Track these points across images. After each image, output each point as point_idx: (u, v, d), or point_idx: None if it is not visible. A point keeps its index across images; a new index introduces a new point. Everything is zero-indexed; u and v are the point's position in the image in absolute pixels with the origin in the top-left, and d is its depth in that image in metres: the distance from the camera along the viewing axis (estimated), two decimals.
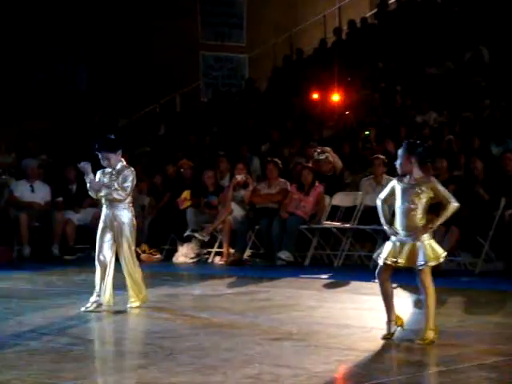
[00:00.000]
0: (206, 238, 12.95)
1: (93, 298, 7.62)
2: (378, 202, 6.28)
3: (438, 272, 9.97)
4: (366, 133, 15.16)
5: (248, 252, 12.87)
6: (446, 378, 5.03)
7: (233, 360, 5.53)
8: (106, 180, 7.73)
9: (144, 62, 20.78)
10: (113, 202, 7.70)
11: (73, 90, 20.48)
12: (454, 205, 6.01)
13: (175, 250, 13.20)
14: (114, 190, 7.64)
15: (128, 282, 7.78)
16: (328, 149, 13.22)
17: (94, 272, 7.73)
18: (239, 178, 13.13)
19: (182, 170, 14.48)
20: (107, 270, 7.66)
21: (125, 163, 7.84)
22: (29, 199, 14.06)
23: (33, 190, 14.14)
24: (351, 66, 18.76)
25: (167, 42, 21.11)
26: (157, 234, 13.60)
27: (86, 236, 13.08)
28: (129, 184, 7.69)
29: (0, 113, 18.61)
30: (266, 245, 12.53)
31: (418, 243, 5.98)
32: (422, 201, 6.00)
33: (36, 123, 18.93)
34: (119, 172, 7.73)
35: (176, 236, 13.34)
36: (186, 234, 13.03)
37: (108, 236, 7.71)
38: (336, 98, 17.23)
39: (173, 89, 20.93)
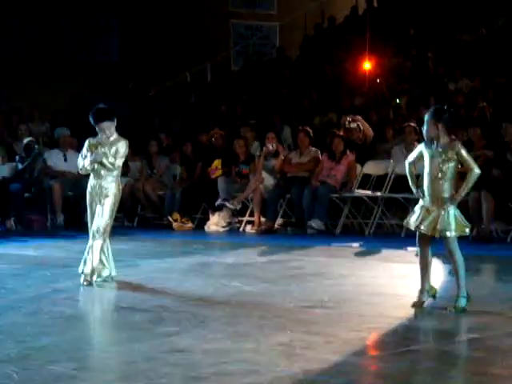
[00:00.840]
0: (238, 207, 13.00)
1: (106, 272, 7.57)
2: (406, 164, 6.28)
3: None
4: (397, 101, 15.07)
5: (279, 221, 12.90)
6: (479, 346, 5.03)
7: (265, 327, 5.57)
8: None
9: (174, 32, 20.75)
10: (100, 173, 7.52)
11: (105, 60, 20.53)
12: (476, 171, 5.95)
13: (207, 219, 13.26)
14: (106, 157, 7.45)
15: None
16: (359, 117, 13.16)
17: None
18: (270, 146, 13.13)
19: (213, 139, 14.50)
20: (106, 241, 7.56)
21: (117, 135, 7.57)
22: (62, 168, 14.17)
23: (66, 159, 14.25)
24: (383, 33, 18.59)
25: (197, 10, 21.06)
26: (188, 202, 13.66)
27: (120, 204, 13.13)
28: (121, 153, 7.49)
29: (33, 82, 18.71)
30: (297, 213, 12.54)
31: (442, 212, 5.95)
32: (449, 168, 5.96)
33: (68, 93, 19.03)
34: (112, 143, 7.50)
35: (207, 205, 13.40)
36: (217, 203, 13.08)
37: (96, 209, 7.54)
38: (367, 65, 17.11)
39: (203, 58, 20.89)
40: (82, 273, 7.43)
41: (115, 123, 7.53)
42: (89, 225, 7.64)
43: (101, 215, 7.48)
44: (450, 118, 6.04)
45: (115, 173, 7.55)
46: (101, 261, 7.46)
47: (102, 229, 7.44)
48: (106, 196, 7.50)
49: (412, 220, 6.11)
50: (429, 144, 6.07)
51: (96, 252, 7.40)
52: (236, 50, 22.78)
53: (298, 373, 4.43)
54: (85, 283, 7.33)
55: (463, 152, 5.99)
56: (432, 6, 18.77)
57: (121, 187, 7.69)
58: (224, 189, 13.24)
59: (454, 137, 6.06)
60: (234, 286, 7.32)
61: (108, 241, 7.56)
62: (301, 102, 16.48)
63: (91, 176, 7.63)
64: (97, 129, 7.54)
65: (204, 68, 21.17)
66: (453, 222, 5.94)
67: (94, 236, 7.46)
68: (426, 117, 6.09)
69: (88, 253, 7.45)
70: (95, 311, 6.34)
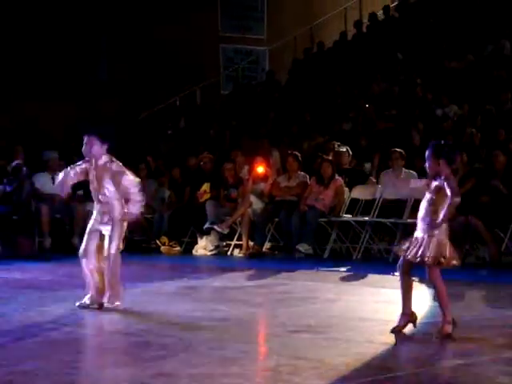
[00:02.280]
0: (226, 231, 13.00)
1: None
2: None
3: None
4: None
5: (267, 244, 12.91)
6: (463, 372, 5.04)
7: (251, 352, 5.57)
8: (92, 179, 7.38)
9: (164, 55, 20.83)
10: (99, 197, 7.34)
11: (93, 82, 20.55)
12: (454, 199, 5.95)
13: (195, 243, 13.26)
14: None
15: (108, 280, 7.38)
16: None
17: None
18: (259, 171, 13.17)
19: (201, 162, 14.53)
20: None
21: (111, 158, 7.38)
22: (50, 191, 14.15)
23: (54, 182, 14.22)
24: (371, 58, 18.72)
25: (187, 34, 21.14)
26: (177, 226, 13.66)
27: None
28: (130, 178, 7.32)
29: (22, 103, 18.71)
30: (285, 237, 12.56)
31: (426, 238, 5.97)
32: (440, 196, 5.99)
33: (57, 114, 19.02)
34: (104, 168, 7.31)
35: (196, 228, 13.40)
36: (205, 227, 13.08)
37: (96, 234, 7.38)
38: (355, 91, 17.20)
39: (193, 82, 20.97)
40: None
41: (102, 146, 7.35)
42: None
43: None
44: (451, 152, 6.08)
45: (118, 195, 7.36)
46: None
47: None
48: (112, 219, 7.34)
49: (404, 247, 6.13)
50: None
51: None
52: (226, 74, 22.88)
53: None
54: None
55: (449, 180, 5.98)
56: (420, 33, 18.92)
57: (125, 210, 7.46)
58: (212, 212, 13.24)
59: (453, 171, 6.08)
60: (221, 310, 7.32)
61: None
62: (290, 127, 16.54)
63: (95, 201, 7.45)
64: (84, 140, 7.38)
65: (193, 92, 21.25)
66: (433, 250, 5.95)
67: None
68: (427, 153, 6.13)
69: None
70: (81, 335, 6.31)
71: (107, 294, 7.32)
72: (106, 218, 7.35)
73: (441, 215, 5.96)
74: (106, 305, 7.32)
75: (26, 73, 19.14)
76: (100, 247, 7.40)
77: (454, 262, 6.03)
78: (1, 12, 19.02)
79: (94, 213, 7.45)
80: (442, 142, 6.21)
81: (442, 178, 6.02)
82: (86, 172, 7.45)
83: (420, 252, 5.95)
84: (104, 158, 7.40)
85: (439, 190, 6.01)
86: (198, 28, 21.57)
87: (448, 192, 5.95)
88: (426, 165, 6.16)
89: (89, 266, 7.38)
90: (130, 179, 7.38)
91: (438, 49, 17.72)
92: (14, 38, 19.08)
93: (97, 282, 7.39)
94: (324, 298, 8.23)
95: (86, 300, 7.39)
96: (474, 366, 5.15)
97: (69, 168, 7.53)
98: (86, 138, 7.39)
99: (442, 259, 5.97)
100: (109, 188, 7.34)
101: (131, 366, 5.28)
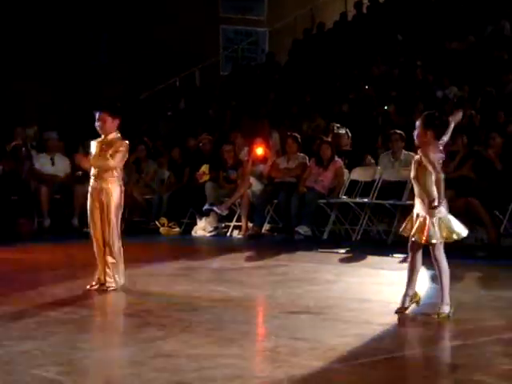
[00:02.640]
0: (225, 212, 13.00)
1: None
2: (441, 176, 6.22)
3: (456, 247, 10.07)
4: (385, 108, 15.12)
5: (266, 226, 12.91)
6: (462, 353, 5.05)
7: (250, 333, 5.58)
8: (97, 151, 7.38)
9: (164, 36, 20.76)
10: (101, 174, 7.33)
11: (94, 64, 20.50)
12: (440, 176, 5.90)
13: (194, 224, 13.26)
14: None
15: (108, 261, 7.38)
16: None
17: None
18: (258, 152, 13.15)
19: (201, 144, 14.51)
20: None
21: (119, 135, 7.44)
22: (49, 172, 14.17)
23: (53, 163, 14.25)
24: (371, 39, 18.66)
25: (187, 15, 21.06)
26: (176, 207, 13.65)
27: None
28: (120, 154, 7.33)
29: (22, 86, 18.69)
30: (285, 219, 12.55)
31: (429, 218, 5.96)
32: (423, 172, 5.95)
33: (58, 97, 19.01)
34: (110, 143, 7.35)
35: (195, 210, 13.40)
36: (204, 208, 13.07)
37: (97, 213, 7.37)
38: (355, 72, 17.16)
39: (193, 63, 20.91)
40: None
41: (113, 120, 7.37)
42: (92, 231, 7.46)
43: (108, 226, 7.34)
44: (441, 126, 6.03)
45: (116, 173, 7.38)
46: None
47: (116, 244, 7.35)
48: (108, 199, 7.33)
49: (407, 227, 6.11)
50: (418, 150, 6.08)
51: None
52: (225, 55, 22.81)
53: (283, 378, 4.44)
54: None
55: (428, 156, 5.91)
56: (421, 14, 18.84)
57: (123, 188, 7.50)
58: (211, 194, 13.24)
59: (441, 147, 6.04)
60: (220, 291, 7.33)
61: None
62: (289, 108, 16.50)
63: (91, 178, 7.42)
64: (96, 116, 7.39)
65: (193, 73, 21.19)
66: (437, 229, 5.94)
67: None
68: (417, 122, 6.08)
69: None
70: (80, 315, 6.32)
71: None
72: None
73: (435, 196, 5.91)
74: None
75: (28, 55, 19.10)
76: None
77: (463, 234, 6.01)
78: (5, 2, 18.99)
79: None
80: (436, 113, 6.15)
81: (419, 152, 5.95)
82: None
83: (426, 233, 5.92)
84: (113, 134, 7.40)
85: (419, 165, 5.96)
86: (198, 9, 21.49)
87: (430, 168, 5.90)
88: (415, 133, 6.10)
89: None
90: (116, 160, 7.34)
91: (439, 30, 17.65)
92: (16, 23, 19.01)
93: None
94: (323, 279, 8.24)
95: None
96: (472, 347, 5.16)
97: None
98: (97, 114, 7.37)
99: (454, 236, 5.95)
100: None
101: (130, 346, 5.30)
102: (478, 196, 10.51)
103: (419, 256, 6.13)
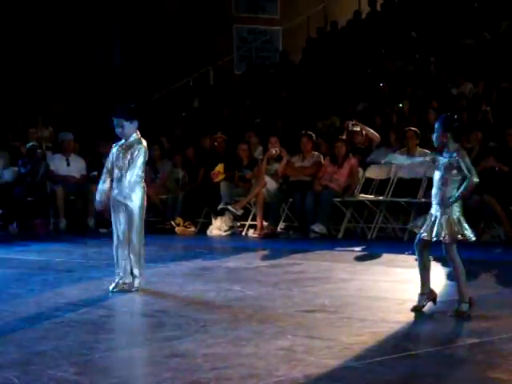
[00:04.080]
0: (240, 211, 12.99)
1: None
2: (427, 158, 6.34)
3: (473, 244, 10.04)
4: (400, 105, 15.07)
5: (281, 225, 12.90)
6: (479, 350, 5.03)
7: (265, 332, 5.57)
8: (117, 158, 7.40)
9: (177, 36, 20.77)
10: (122, 178, 7.37)
11: (107, 65, 20.55)
12: (474, 180, 5.93)
13: (209, 223, 13.26)
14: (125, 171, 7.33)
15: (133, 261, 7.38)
16: (360, 124, 13.16)
17: None
18: (273, 151, 13.14)
19: (215, 143, 14.51)
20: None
21: (139, 136, 7.44)
22: (64, 173, 14.21)
23: (68, 164, 14.29)
24: (385, 37, 18.61)
25: (201, 15, 21.07)
26: (191, 207, 13.66)
27: None
28: (138, 163, 7.34)
29: (36, 87, 18.75)
30: (300, 218, 12.54)
31: (441, 217, 5.96)
32: (453, 175, 5.98)
33: (72, 98, 19.06)
34: (130, 146, 7.35)
35: (210, 209, 13.40)
36: (219, 207, 13.08)
37: (121, 216, 7.45)
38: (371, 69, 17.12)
39: (206, 62, 20.91)
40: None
41: (132, 124, 7.39)
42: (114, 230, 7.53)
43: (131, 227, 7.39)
44: (459, 128, 6.08)
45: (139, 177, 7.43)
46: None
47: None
48: (132, 202, 7.39)
49: (419, 223, 6.14)
50: (439, 152, 6.11)
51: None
52: (239, 54, 22.81)
53: (299, 377, 4.43)
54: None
55: (464, 160, 5.98)
56: (435, 11, 18.77)
57: (145, 190, 7.52)
58: (226, 193, 13.24)
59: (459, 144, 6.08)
60: (236, 291, 7.33)
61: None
62: (304, 107, 16.47)
63: (114, 181, 7.48)
64: (114, 122, 7.41)
65: (207, 72, 21.19)
66: (448, 227, 5.93)
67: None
68: (436, 125, 6.12)
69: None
70: (96, 316, 6.34)
71: None
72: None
73: (456, 194, 5.94)
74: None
75: (42, 57, 19.15)
76: None
77: (472, 237, 6.01)
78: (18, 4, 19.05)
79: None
80: (456, 116, 6.19)
81: (455, 155, 5.99)
82: None
83: (435, 230, 5.94)
84: (133, 136, 7.40)
85: (450, 168, 5.97)
86: (212, 8, 21.50)
87: (466, 172, 5.93)
88: (434, 136, 6.14)
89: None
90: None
91: (453, 26, 17.58)
92: (28, 25, 19.06)
93: None
94: (338, 277, 8.22)
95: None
96: (490, 345, 5.14)
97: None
98: (115, 121, 7.38)
99: (460, 236, 5.96)
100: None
101: (146, 346, 5.31)
102: (494, 193, 10.47)
103: (427, 254, 6.14)
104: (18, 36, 18.92)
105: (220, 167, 13.75)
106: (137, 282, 7.30)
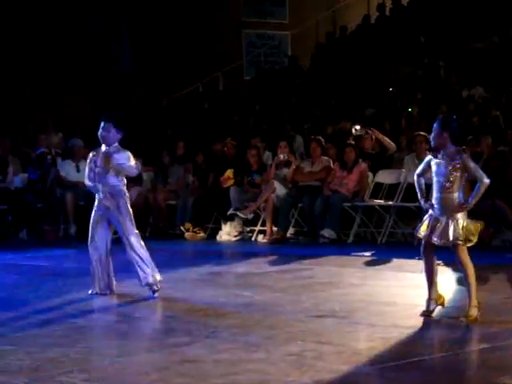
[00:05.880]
0: (249, 217, 12.99)
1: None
2: (415, 177, 6.28)
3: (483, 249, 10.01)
4: (409, 110, 15.06)
5: (291, 230, 12.89)
6: (489, 356, 5.01)
7: (276, 337, 5.56)
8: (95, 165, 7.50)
9: (187, 41, 20.81)
10: (106, 187, 7.45)
11: (117, 70, 20.60)
12: (486, 181, 5.91)
13: (219, 229, 13.26)
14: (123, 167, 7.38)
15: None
16: (375, 130, 13.10)
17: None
18: (282, 156, 13.14)
19: (225, 148, 14.52)
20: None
21: (119, 147, 7.44)
22: (74, 179, 14.22)
23: (78, 170, 14.30)
24: (395, 42, 18.60)
25: (209, 20, 21.10)
26: (200, 212, 13.66)
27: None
28: (128, 162, 7.37)
29: (47, 93, 18.81)
30: (309, 223, 12.53)
31: (451, 221, 5.93)
32: (457, 177, 5.94)
33: (82, 104, 19.11)
34: (112, 153, 7.40)
35: (219, 214, 13.40)
36: (229, 213, 13.08)
37: (102, 225, 7.51)
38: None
39: (216, 67, 20.93)
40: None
41: (117, 132, 7.44)
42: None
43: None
44: (458, 128, 6.02)
45: (123, 183, 7.49)
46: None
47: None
48: (119, 207, 7.42)
49: (422, 229, 6.10)
50: (435, 153, 6.07)
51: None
52: (248, 59, 22.82)
53: (309, 383, 4.42)
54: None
55: (470, 164, 5.95)
56: (444, 15, 18.76)
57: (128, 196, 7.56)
58: (236, 198, 13.24)
59: (463, 147, 6.04)
60: (245, 296, 7.32)
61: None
62: (313, 111, 16.48)
63: (99, 193, 7.57)
64: (101, 125, 7.49)
65: (216, 77, 21.22)
66: (462, 232, 5.91)
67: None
68: (435, 125, 6.09)
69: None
70: (106, 322, 6.34)
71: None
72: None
73: (470, 198, 5.91)
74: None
75: (51, 62, 19.21)
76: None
77: (475, 240, 5.99)
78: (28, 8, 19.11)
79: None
80: (454, 116, 6.15)
81: (458, 157, 5.93)
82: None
83: (451, 235, 5.89)
84: (115, 146, 7.45)
85: (453, 170, 5.93)
86: (221, 13, 21.52)
87: (476, 174, 5.90)
88: (431, 136, 6.10)
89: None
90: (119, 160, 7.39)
91: (462, 30, 17.56)
92: (39, 31, 19.12)
93: None
94: (348, 282, 8.21)
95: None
96: (500, 350, 5.11)
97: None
98: (102, 123, 7.47)
99: (472, 237, 5.93)
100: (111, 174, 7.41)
101: (156, 352, 5.30)
102: (505, 197, 10.44)
103: (434, 258, 6.11)
104: (29, 41, 18.98)
105: (229, 172, 13.75)
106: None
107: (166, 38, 20.60)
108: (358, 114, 15.59)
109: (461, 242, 5.91)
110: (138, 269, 7.31)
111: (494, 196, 10.35)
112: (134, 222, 7.46)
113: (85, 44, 20.08)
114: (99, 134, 7.51)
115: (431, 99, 15.20)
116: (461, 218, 5.94)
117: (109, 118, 7.52)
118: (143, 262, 7.34)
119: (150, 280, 7.29)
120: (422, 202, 6.16)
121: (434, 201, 6.05)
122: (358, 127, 13.08)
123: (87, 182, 7.73)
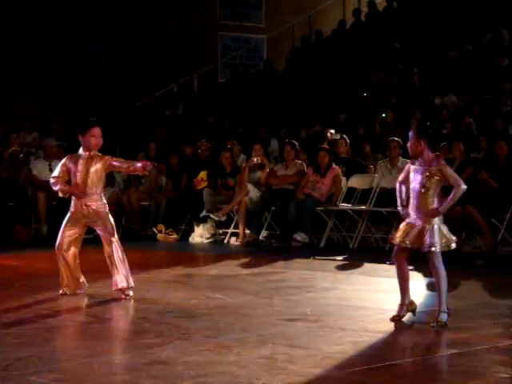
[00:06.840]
0: (222, 219, 13.00)
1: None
2: (397, 184, 6.32)
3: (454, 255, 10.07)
4: (383, 115, 15.14)
5: (264, 233, 12.91)
6: (459, 361, 5.05)
7: (247, 340, 5.57)
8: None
9: (162, 42, 20.79)
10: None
11: (92, 70, 20.51)
12: (463, 187, 5.98)
13: (192, 231, 13.25)
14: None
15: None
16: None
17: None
18: (255, 159, 13.15)
19: (199, 150, 14.51)
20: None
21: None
22: (47, 178, 14.11)
23: (51, 169, 14.20)
24: (369, 47, 18.70)
25: (185, 22, 21.09)
26: (173, 214, 13.64)
27: None
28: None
29: (22, 91, 18.69)
30: (282, 226, 12.55)
31: (427, 226, 5.98)
32: (433, 183, 5.99)
33: (57, 103, 19.02)
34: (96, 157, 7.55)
35: (192, 216, 13.39)
36: (202, 215, 13.08)
37: (74, 229, 7.59)
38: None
39: (191, 69, 20.92)
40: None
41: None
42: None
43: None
44: (434, 135, 6.08)
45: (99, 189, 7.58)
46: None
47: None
48: (98, 212, 7.53)
49: (397, 235, 6.13)
50: (413, 160, 6.12)
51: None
52: (223, 61, 22.83)
53: None
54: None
55: (448, 170, 6.02)
56: (419, 22, 18.88)
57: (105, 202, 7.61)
58: (209, 200, 13.24)
59: (437, 153, 6.09)
60: (217, 298, 7.33)
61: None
62: (287, 115, 16.52)
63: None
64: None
65: (191, 79, 21.20)
66: (437, 237, 5.95)
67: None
68: (411, 133, 6.14)
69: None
70: (77, 322, 6.31)
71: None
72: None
73: (447, 205, 5.95)
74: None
75: (28, 61, 19.11)
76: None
77: (454, 245, 6.04)
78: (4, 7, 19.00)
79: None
80: (428, 123, 6.20)
81: (435, 164, 5.99)
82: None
83: (428, 240, 5.92)
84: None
85: (430, 177, 5.98)
86: (197, 15, 21.52)
87: (452, 180, 5.96)
88: (408, 144, 6.15)
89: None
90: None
91: (437, 37, 17.69)
92: (14, 30, 19.01)
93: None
94: (320, 286, 8.23)
95: None
96: (469, 356, 5.15)
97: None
98: (98, 130, 7.44)
99: (454, 244, 5.98)
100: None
101: (127, 353, 5.29)
102: (475, 204, 10.52)
103: (406, 264, 6.15)
104: (4, 41, 18.87)
105: (203, 174, 13.74)
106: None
107: (141, 38, 20.56)
108: (332, 118, 15.65)
109: (436, 248, 5.94)
110: (115, 271, 7.26)
111: (464, 202, 10.43)
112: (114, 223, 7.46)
113: (61, 45, 19.97)
114: (98, 141, 7.46)
115: (405, 105, 15.30)
116: (437, 224, 5.99)
117: (100, 124, 7.51)
118: (121, 264, 7.29)
119: (124, 285, 7.25)
120: (400, 210, 6.20)
121: (409, 207, 6.09)
122: (332, 131, 13.14)
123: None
